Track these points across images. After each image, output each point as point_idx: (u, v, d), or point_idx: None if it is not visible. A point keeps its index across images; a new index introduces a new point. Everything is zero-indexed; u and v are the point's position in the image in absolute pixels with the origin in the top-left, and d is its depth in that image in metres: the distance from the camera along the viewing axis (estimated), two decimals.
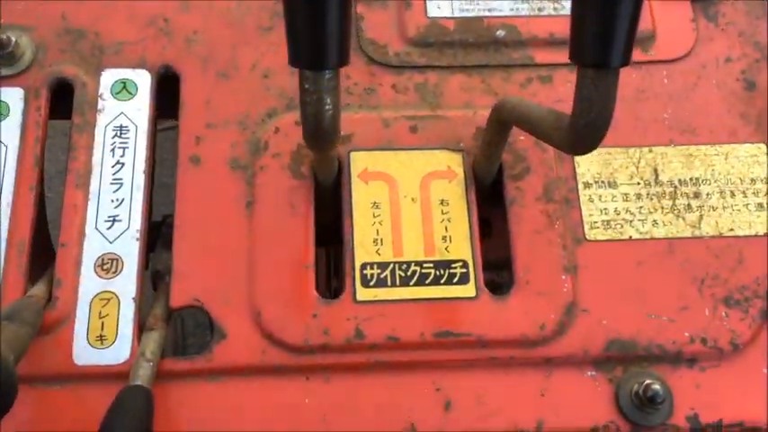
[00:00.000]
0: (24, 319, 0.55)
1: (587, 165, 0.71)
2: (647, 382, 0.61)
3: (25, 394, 0.59)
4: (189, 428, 0.59)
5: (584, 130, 0.46)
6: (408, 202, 0.67)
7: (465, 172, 0.69)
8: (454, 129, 0.71)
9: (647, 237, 0.68)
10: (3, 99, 0.68)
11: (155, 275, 0.68)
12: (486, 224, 0.75)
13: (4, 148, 0.66)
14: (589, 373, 0.63)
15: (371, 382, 0.61)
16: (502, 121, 0.61)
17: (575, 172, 0.70)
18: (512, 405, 0.61)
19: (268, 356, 0.61)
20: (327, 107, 0.43)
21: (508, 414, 0.61)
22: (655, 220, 0.69)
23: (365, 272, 0.64)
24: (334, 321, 0.62)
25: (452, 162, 0.69)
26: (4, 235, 0.63)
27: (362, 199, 0.67)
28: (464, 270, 0.65)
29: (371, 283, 0.64)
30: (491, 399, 0.62)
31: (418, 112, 0.71)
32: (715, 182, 0.70)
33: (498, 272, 0.73)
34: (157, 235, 0.70)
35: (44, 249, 0.65)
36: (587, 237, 0.67)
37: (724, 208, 0.69)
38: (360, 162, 0.69)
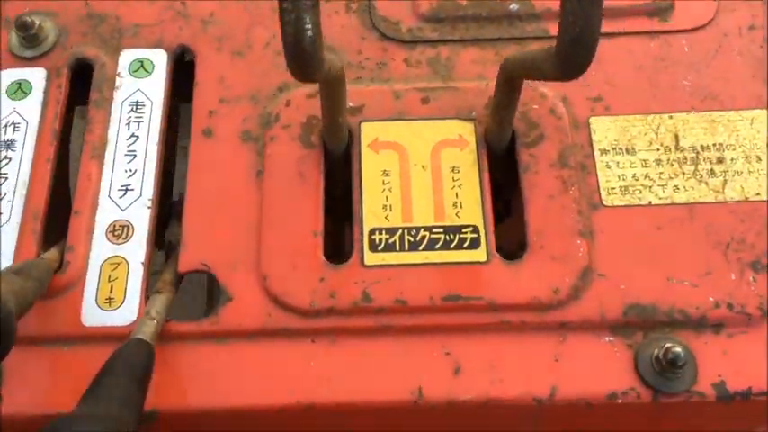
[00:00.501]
0: (32, 274, 0.55)
1: (604, 132, 0.69)
2: (668, 345, 0.58)
3: (33, 354, 0.59)
4: (194, 390, 0.58)
5: (571, 48, 0.45)
6: (419, 169, 0.66)
7: (477, 140, 0.68)
8: (466, 99, 0.70)
9: (668, 202, 0.65)
10: (26, 79, 0.70)
11: (167, 247, 0.68)
12: (506, 205, 0.74)
13: (24, 124, 0.68)
14: (606, 338, 0.60)
15: (378, 345, 0.60)
16: (509, 79, 0.60)
17: (590, 139, 0.68)
18: (524, 370, 0.59)
19: (274, 319, 0.60)
20: (307, 27, 0.43)
21: (520, 380, 0.59)
22: (676, 186, 0.66)
23: (374, 237, 0.63)
24: (341, 285, 0.61)
25: (464, 131, 0.68)
26: (21, 203, 0.64)
27: (372, 167, 0.66)
28: (475, 235, 0.63)
29: (380, 248, 0.63)
30: (502, 364, 0.59)
31: (430, 84, 0.71)
32: (740, 147, 0.68)
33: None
34: (170, 211, 0.70)
35: (63, 221, 0.66)
36: (604, 202, 0.65)
37: (750, 173, 0.66)
38: (370, 132, 0.68)
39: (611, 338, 0.60)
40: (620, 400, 0.58)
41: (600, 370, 0.59)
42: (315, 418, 0.58)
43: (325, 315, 0.60)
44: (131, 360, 0.51)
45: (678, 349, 0.57)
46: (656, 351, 0.59)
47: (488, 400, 0.58)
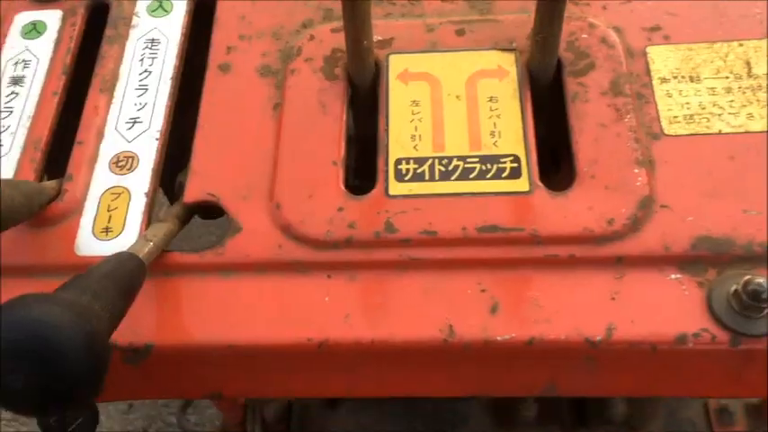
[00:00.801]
0: (20, 188, 0.50)
1: (663, 61, 0.61)
2: (749, 277, 0.48)
3: (24, 286, 0.53)
4: (195, 324, 0.52)
5: None
6: (452, 99, 0.60)
7: (518, 71, 0.61)
8: (506, 31, 0.63)
9: (741, 130, 0.57)
10: (41, 20, 0.67)
11: (178, 188, 0.62)
12: (554, 157, 0.66)
13: (35, 62, 0.64)
14: (673, 275, 0.51)
15: (403, 280, 0.52)
16: None
17: (648, 68, 0.61)
18: (573, 309, 0.50)
19: (285, 251, 0.53)
20: None
21: (569, 318, 0.50)
22: (750, 113, 0.57)
23: (400, 167, 0.56)
24: (361, 215, 0.54)
25: (504, 61, 0.62)
26: (24, 135, 0.60)
27: (400, 98, 0.60)
28: (515, 165, 0.56)
29: (407, 178, 0.56)
30: (547, 302, 0.51)
31: (466, 17, 0.65)
32: None
33: None
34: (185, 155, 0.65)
35: (68, 157, 0.61)
36: (665, 131, 0.57)
37: None
38: (399, 64, 0.62)
39: (677, 275, 0.51)
40: (690, 344, 0.48)
41: (665, 309, 0.50)
42: (328, 358, 0.50)
43: (343, 247, 0.53)
44: (117, 268, 0.44)
45: (761, 280, 0.47)
46: (733, 287, 0.49)
47: (531, 340, 0.49)
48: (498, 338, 0.49)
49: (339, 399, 1.29)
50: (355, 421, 1.19)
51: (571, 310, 0.50)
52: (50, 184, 0.56)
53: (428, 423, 1.16)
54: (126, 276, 0.44)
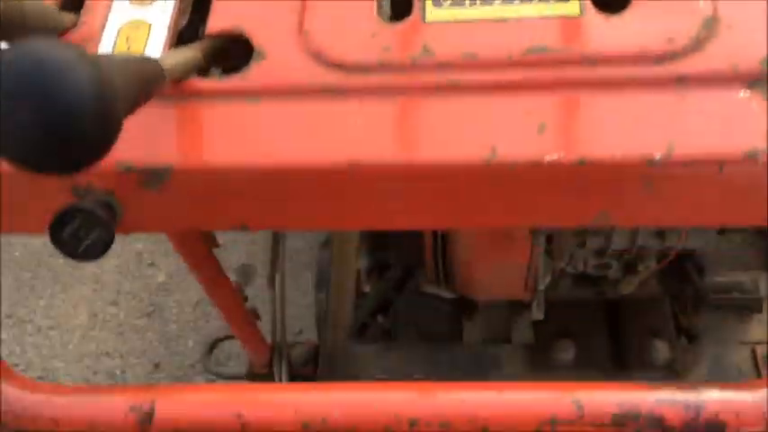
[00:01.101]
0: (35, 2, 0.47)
1: None
2: None
3: None
4: (220, 148, 0.48)
5: None
6: None
7: None
8: None
9: None
10: None
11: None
12: None
13: None
14: (741, 93, 0.46)
15: (441, 104, 0.48)
16: None
17: None
18: (630, 128, 0.46)
19: (314, 75, 0.50)
20: None
21: (624, 137, 0.45)
22: None
23: None
24: (396, 40, 0.50)
25: None
26: None
27: None
28: None
29: (445, 4, 0.51)
30: (601, 122, 0.46)
31: None
32: None
33: None
34: None
35: None
36: None
37: None
38: None
39: (746, 92, 0.46)
40: (761, 161, 0.43)
41: (733, 126, 0.45)
42: (359, 183, 0.47)
43: (377, 71, 0.49)
44: (139, 64, 0.41)
45: None
46: None
47: (582, 160, 0.45)
48: (546, 158, 0.45)
49: (366, 330, 1.25)
50: (385, 365, 1.16)
51: (627, 129, 0.46)
52: (66, 14, 0.53)
53: (461, 367, 1.12)
54: (145, 73, 0.41)
